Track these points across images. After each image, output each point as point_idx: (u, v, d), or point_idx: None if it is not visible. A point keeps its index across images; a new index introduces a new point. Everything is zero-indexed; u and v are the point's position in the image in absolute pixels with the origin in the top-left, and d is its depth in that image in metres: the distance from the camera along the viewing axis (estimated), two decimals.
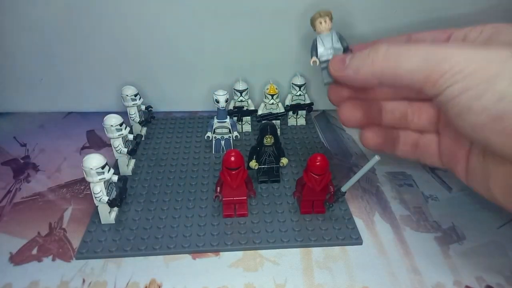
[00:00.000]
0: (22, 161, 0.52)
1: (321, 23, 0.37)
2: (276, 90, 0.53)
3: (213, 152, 0.52)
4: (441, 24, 0.57)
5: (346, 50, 0.37)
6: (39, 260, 0.37)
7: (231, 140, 0.52)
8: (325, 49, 0.37)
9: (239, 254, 0.38)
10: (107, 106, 0.61)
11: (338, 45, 0.37)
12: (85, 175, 0.38)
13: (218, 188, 0.40)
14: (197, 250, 0.38)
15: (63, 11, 0.54)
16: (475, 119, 0.28)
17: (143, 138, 0.53)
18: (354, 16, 0.57)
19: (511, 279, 0.36)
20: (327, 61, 0.36)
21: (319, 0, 0.51)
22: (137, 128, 0.55)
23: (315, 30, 0.38)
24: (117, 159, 0.47)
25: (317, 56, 0.37)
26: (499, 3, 0.57)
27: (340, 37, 0.37)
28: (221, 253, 0.38)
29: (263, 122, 0.47)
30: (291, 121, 0.59)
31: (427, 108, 0.36)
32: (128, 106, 0.52)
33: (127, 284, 0.35)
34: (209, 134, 0.51)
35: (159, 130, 0.58)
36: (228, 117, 0.50)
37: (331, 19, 0.37)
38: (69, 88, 0.61)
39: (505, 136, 0.27)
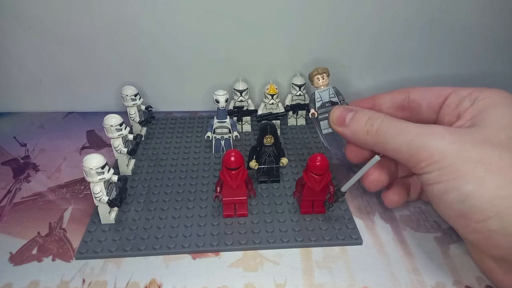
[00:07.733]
0: (22, 161, 0.52)
1: (318, 79, 0.41)
2: (276, 90, 0.53)
3: (213, 152, 0.52)
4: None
5: (341, 104, 0.41)
6: (39, 260, 0.37)
7: (231, 140, 0.52)
8: (322, 103, 0.41)
9: (239, 254, 0.38)
10: (107, 106, 0.61)
11: (335, 99, 0.41)
12: (85, 175, 0.38)
13: (218, 188, 0.40)
14: (197, 250, 0.38)
15: (63, 11, 0.54)
16: (444, 209, 0.31)
17: (143, 138, 0.53)
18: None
19: None
20: (325, 112, 0.41)
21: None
22: (137, 128, 0.55)
23: (313, 85, 0.42)
24: (117, 159, 0.47)
25: (315, 109, 0.41)
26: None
27: (337, 91, 0.42)
28: (221, 253, 0.38)
29: (263, 122, 0.47)
30: (291, 121, 0.59)
31: None
32: (128, 106, 0.52)
33: (127, 284, 0.35)
34: (209, 134, 0.51)
35: (159, 130, 0.58)
36: (228, 117, 0.50)
37: (328, 75, 0.42)
38: (69, 88, 0.61)
39: (467, 232, 0.31)
